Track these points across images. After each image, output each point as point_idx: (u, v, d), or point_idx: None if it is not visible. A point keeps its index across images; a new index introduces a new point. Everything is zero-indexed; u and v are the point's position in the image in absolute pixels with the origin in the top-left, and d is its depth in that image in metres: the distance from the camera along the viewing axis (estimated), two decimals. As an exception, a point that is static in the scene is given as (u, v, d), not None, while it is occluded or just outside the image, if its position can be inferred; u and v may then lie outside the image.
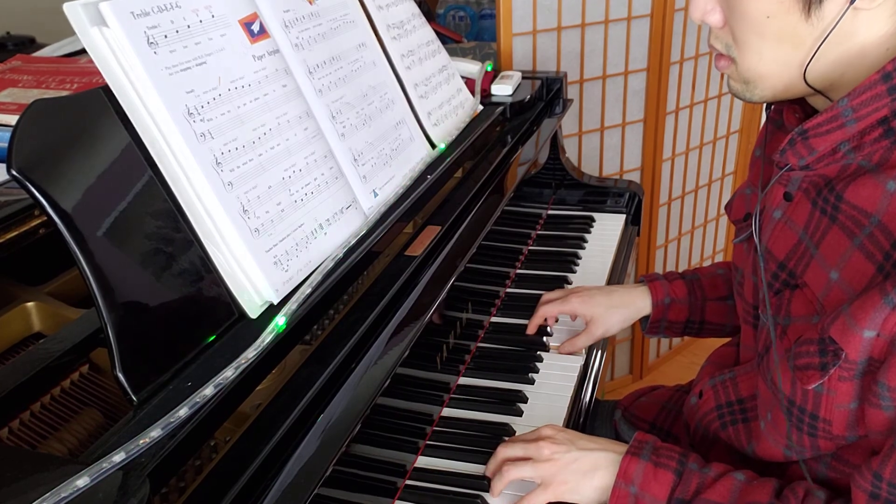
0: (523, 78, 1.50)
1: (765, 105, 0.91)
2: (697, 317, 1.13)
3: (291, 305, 0.78)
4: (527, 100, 1.42)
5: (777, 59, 0.73)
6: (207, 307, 0.76)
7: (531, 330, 1.17)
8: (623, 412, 1.15)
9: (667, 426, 1.09)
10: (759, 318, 0.89)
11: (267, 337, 0.74)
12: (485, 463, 0.94)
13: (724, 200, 2.20)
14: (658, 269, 2.15)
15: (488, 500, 0.89)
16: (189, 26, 0.77)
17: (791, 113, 0.84)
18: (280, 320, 0.77)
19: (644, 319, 1.16)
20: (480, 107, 1.34)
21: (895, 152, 0.69)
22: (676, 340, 2.35)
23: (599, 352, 1.18)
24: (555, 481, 0.86)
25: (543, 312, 1.16)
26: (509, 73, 1.49)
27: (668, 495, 0.80)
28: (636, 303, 1.14)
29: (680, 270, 1.21)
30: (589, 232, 1.48)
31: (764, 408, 0.83)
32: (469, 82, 1.36)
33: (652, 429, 1.10)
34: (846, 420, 0.72)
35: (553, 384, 1.09)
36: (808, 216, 0.78)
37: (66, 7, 0.70)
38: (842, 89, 0.73)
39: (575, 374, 1.10)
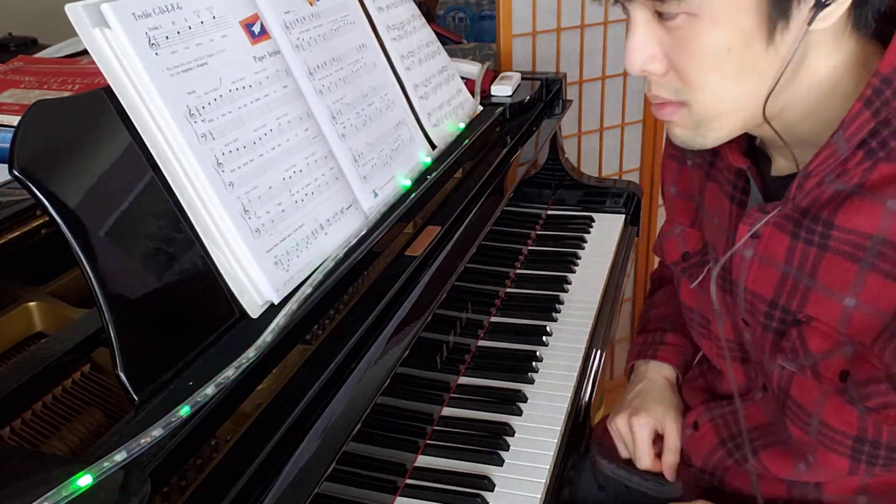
0: (523, 79, 1.50)
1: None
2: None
3: (292, 305, 0.78)
4: (526, 100, 1.42)
5: (737, 95, 0.69)
6: (208, 307, 0.76)
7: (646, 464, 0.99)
8: (598, 445, 1.08)
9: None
10: (748, 353, 0.87)
11: (268, 336, 0.74)
12: (486, 462, 0.94)
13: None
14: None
15: (488, 500, 0.89)
16: (190, 27, 0.78)
17: (733, 151, 0.81)
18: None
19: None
20: (480, 107, 1.35)
21: (875, 172, 0.69)
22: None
23: (599, 351, 1.18)
24: None
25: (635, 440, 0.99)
26: (509, 73, 1.49)
27: None
28: (668, 387, 1.02)
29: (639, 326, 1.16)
30: (588, 232, 1.48)
31: (803, 450, 0.80)
32: (469, 83, 1.36)
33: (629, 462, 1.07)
34: None
35: (553, 384, 1.09)
36: (788, 249, 0.75)
37: (67, 8, 0.70)
38: (792, 113, 0.72)
39: (575, 374, 1.11)
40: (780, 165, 0.80)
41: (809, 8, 0.64)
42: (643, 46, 0.69)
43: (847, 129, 0.68)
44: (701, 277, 0.91)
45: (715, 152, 0.87)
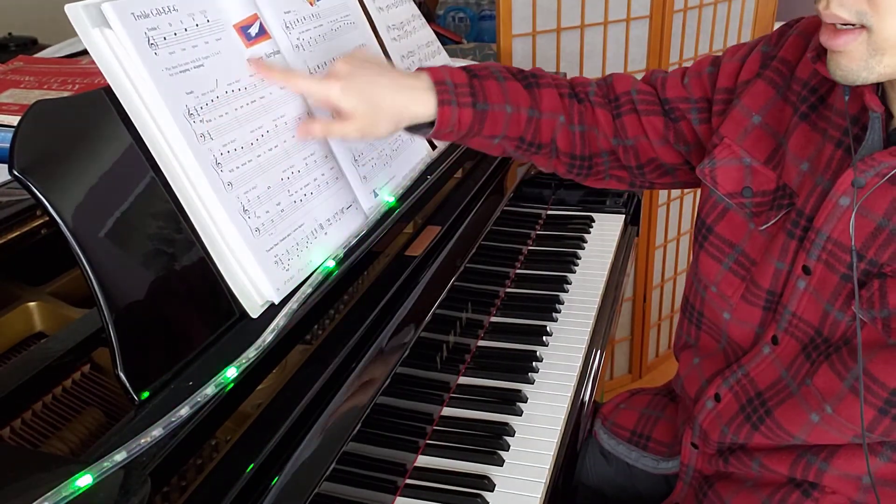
0: (523, 79, 1.50)
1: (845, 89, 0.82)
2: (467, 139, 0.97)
3: (292, 305, 0.78)
4: (526, 100, 1.42)
5: None
6: (208, 307, 0.76)
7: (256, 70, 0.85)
8: (603, 422, 1.14)
9: (647, 431, 1.09)
10: (778, 304, 0.86)
11: (268, 336, 0.74)
12: (486, 462, 0.94)
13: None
14: (657, 268, 2.15)
15: (488, 500, 0.90)
16: (186, 29, 0.78)
17: (870, 93, 0.78)
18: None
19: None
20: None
21: None
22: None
23: (599, 351, 1.18)
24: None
25: (281, 79, 0.87)
26: (509, 73, 1.49)
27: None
28: (414, 111, 0.90)
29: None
30: (588, 232, 1.48)
31: (820, 400, 0.81)
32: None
33: (633, 435, 1.10)
34: None
35: (552, 384, 1.09)
36: (892, 203, 0.75)
37: (67, 8, 0.70)
38: None
39: (574, 374, 1.11)
40: None
41: None
42: None
43: None
44: (773, 221, 0.87)
45: (821, 96, 0.85)
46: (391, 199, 0.96)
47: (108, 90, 0.74)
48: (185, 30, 0.78)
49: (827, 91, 0.84)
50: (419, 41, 1.22)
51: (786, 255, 0.85)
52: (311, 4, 0.99)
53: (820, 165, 0.83)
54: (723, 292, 0.92)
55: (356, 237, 0.91)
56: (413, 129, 0.93)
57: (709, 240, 0.94)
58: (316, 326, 0.81)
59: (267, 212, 0.81)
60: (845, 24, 0.70)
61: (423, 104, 0.90)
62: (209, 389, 0.67)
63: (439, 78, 0.91)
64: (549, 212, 1.56)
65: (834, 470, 0.85)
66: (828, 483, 0.87)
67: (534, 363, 1.12)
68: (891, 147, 0.76)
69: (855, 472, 0.84)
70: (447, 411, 1.04)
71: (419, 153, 1.12)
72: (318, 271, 0.84)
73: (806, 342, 0.85)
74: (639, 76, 1.05)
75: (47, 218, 0.86)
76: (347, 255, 0.88)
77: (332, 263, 0.86)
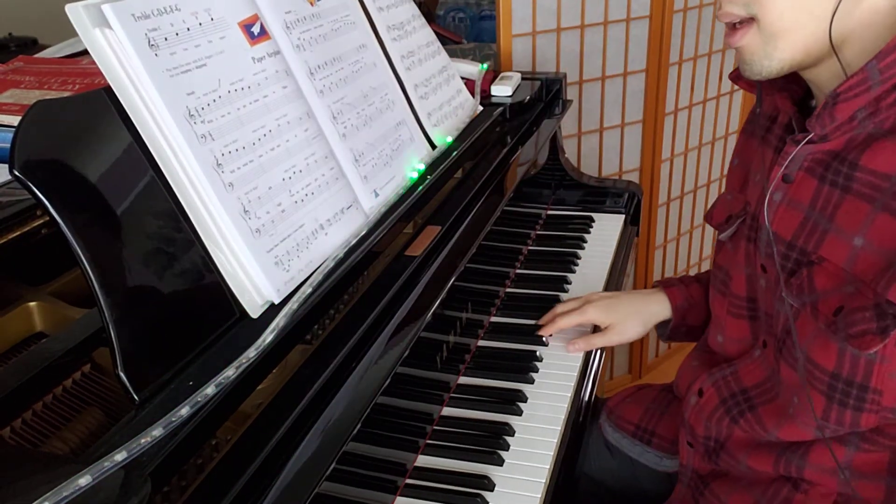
0: (523, 79, 1.50)
1: (756, 97, 0.91)
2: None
3: (292, 305, 0.78)
4: (526, 100, 1.42)
5: (800, 10, 0.73)
6: (209, 307, 0.76)
7: (547, 333, 1.16)
8: (608, 414, 1.16)
9: (651, 426, 1.10)
10: (757, 309, 0.91)
11: (268, 336, 0.74)
12: (486, 462, 0.95)
13: (724, 201, 2.20)
14: (657, 269, 2.15)
15: (488, 500, 0.90)
16: (189, 29, 0.78)
17: (784, 98, 0.85)
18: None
19: (661, 325, 1.17)
20: (480, 107, 1.35)
21: None
22: (676, 340, 2.35)
23: (599, 351, 1.18)
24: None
25: (561, 325, 1.14)
26: (509, 73, 1.49)
27: None
28: (652, 308, 1.14)
29: (681, 271, 1.23)
30: (588, 232, 1.48)
31: (790, 392, 0.84)
32: (469, 83, 1.36)
33: (637, 429, 1.11)
34: None
35: (553, 383, 1.09)
36: (815, 193, 0.79)
37: (68, 8, 0.70)
38: (851, 48, 0.74)
39: (574, 374, 1.11)
40: None
41: None
42: None
43: (882, 60, 0.71)
44: (732, 229, 0.94)
45: (774, 118, 0.91)
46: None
47: (108, 90, 0.73)
48: (188, 29, 0.78)
49: (779, 113, 0.90)
50: (419, 41, 1.22)
51: (750, 259, 0.90)
52: (312, 4, 0.99)
53: (765, 173, 0.88)
54: (713, 312, 0.99)
55: (356, 237, 0.91)
56: (664, 327, 1.15)
57: (713, 272, 1.02)
58: (316, 326, 0.81)
59: (268, 212, 0.81)
60: (739, 22, 0.77)
61: (657, 301, 1.13)
62: (209, 389, 0.67)
63: (666, 279, 1.17)
64: (549, 212, 1.56)
65: (811, 465, 0.87)
66: (809, 477, 0.89)
67: (534, 363, 1.12)
68: (796, 134, 0.81)
69: (830, 464, 0.86)
70: (447, 411, 1.04)
71: (419, 153, 1.12)
72: (318, 271, 0.84)
73: (775, 339, 0.88)
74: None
75: (47, 218, 0.86)
76: (347, 255, 0.88)
77: (332, 263, 0.86)
